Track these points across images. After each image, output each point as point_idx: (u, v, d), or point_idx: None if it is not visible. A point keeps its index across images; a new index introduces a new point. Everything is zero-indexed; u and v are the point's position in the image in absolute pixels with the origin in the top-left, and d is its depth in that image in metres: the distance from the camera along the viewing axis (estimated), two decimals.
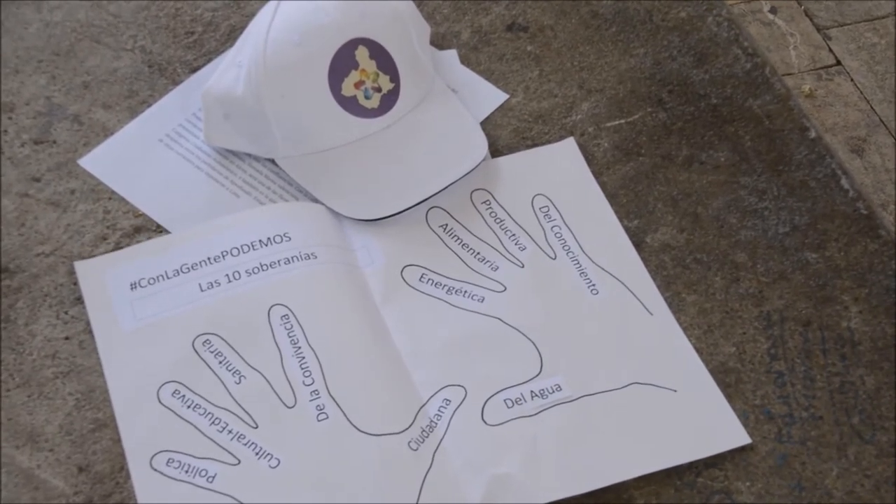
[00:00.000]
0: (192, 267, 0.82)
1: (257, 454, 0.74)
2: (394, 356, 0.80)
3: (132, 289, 0.81)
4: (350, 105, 0.88)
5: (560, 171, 0.92)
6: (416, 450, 0.75)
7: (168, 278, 0.82)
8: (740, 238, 0.89)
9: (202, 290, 0.81)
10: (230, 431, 0.75)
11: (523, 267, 0.86)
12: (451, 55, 1.00)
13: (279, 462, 0.74)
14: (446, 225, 0.88)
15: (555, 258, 0.86)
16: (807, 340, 0.83)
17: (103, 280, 0.82)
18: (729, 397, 0.79)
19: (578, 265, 0.86)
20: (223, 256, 0.83)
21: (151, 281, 0.82)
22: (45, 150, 0.91)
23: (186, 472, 0.73)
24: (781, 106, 0.98)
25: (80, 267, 0.83)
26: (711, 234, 0.89)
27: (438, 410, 0.77)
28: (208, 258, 0.83)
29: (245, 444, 0.74)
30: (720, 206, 0.91)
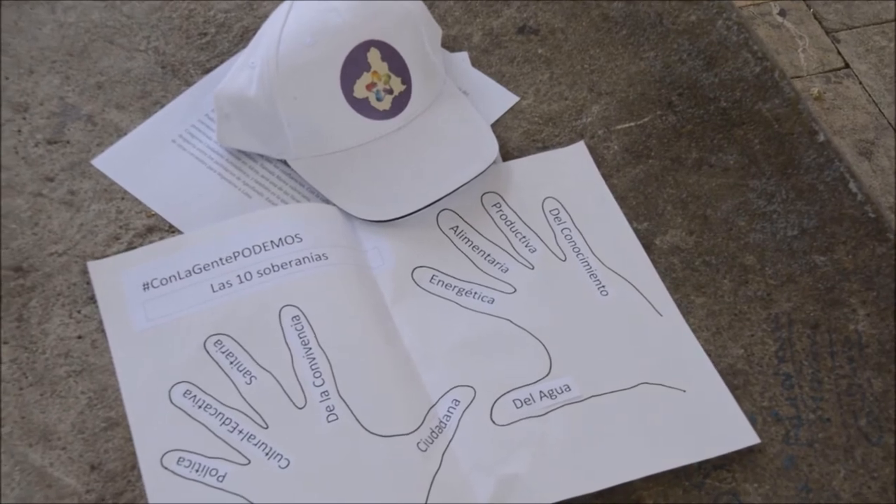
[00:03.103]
0: (204, 267, 0.83)
1: (267, 454, 0.74)
2: (403, 357, 0.80)
3: (145, 289, 0.82)
4: (362, 107, 0.88)
5: (570, 174, 0.92)
6: (425, 450, 0.75)
7: (180, 279, 0.82)
8: (749, 241, 0.89)
9: (214, 291, 0.82)
10: (241, 431, 0.75)
11: (533, 269, 0.86)
12: (463, 57, 1.00)
13: (289, 462, 0.74)
14: (457, 227, 0.88)
15: (565, 260, 0.87)
16: (814, 343, 0.83)
17: (116, 280, 0.83)
18: (737, 399, 0.79)
19: (588, 267, 0.86)
20: (235, 257, 0.83)
21: (164, 281, 0.82)
22: (58, 149, 0.91)
23: (197, 471, 0.73)
24: (790, 109, 0.98)
25: (94, 267, 0.83)
26: (720, 236, 0.89)
27: (448, 411, 0.77)
28: (220, 259, 0.83)
29: (255, 445, 0.75)
30: (729, 208, 0.91)
